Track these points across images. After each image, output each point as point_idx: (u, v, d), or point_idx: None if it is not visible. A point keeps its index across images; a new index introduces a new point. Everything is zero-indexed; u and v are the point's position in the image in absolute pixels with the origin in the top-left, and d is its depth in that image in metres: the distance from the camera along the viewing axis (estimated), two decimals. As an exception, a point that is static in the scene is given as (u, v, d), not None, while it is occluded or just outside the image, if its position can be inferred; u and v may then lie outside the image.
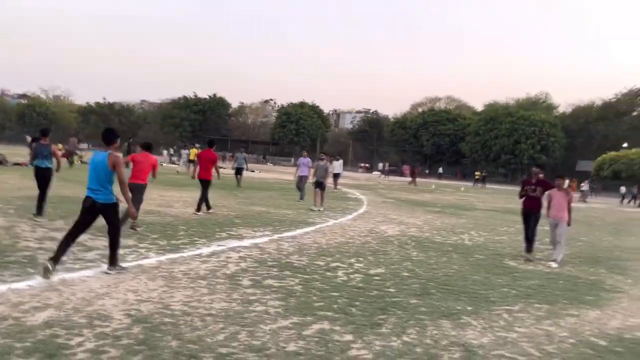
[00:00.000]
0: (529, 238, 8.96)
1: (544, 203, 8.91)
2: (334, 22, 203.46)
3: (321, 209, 13.40)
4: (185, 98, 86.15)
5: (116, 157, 5.52)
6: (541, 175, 9.14)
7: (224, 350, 3.69)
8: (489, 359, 4.00)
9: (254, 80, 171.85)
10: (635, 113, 66.31)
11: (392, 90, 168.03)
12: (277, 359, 3.63)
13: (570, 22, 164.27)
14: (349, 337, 4.19)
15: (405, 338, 4.29)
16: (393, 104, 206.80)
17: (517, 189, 38.91)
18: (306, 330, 4.26)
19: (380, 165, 54.99)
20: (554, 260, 8.40)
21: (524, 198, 9.22)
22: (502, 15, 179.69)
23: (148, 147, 9.06)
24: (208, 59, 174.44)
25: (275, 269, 6.44)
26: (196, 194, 11.47)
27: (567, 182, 11.19)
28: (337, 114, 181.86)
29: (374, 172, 53.53)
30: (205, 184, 11.19)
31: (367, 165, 73.49)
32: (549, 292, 6.43)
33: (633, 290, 6.98)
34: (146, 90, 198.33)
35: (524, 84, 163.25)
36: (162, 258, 6.53)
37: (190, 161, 25.43)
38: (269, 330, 4.20)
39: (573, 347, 4.43)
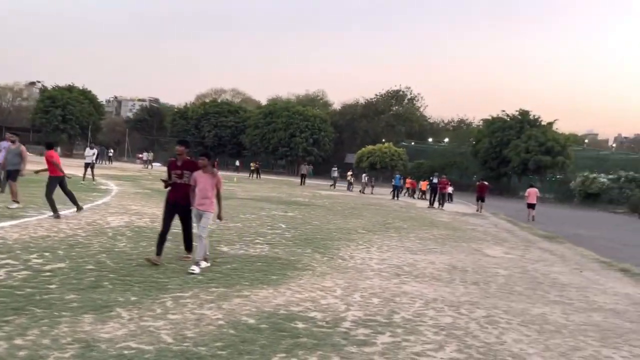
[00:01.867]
0: (165, 237, 6.82)
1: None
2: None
3: (14, 206, 10.73)
4: None
5: None
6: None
7: None
8: (108, 352, 3.67)
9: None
10: (391, 112, 75.65)
11: (183, 80, 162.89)
12: None
13: (343, 27, 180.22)
14: None
15: (17, 341, 3.71)
16: (182, 94, 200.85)
17: (292, 179, 40.86)
18: None
19: (145, 155, 52.26)
20: (196, 264, 6.48)
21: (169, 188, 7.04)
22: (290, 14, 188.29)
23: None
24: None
25: None
26: None
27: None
28: (119, 102, 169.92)
29: (153, 164, 50.34)
30: None
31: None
32: (237, 275, 6.49)
33: (321, 268, 7.50)
34: None
35: (309, 82, 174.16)
36: None
37: None
38: None
39: (217, 329, 4.39)
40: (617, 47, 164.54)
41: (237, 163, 61.74)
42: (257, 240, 9.53)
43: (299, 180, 40.49)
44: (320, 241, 10.14)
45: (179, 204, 6.92)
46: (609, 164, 53.49)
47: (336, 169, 41.82)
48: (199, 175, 6.78)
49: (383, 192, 36.64)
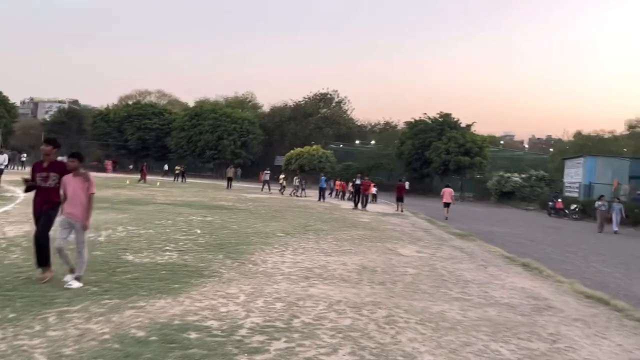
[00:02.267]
0: (42, 248, 6.06)
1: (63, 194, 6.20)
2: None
3: None
4: None
5: None
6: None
7: None
8: (-33, 378, 3.37)
9: None
10: (319, 115, 76.18)
11: (105, 81, 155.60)
12: None
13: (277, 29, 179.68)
14: None
15: None
16: (104, 96, 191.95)
17: (219, 182, 39.76)
18: None
19: (63, 159, 49.31)
20: (77, 279, 5.96)
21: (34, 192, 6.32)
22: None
23: None
24: None
25: None
26: None
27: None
28: (35, 103, 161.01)
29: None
30: None
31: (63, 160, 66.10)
32: (136, 285, 6.20)
33: (229, 274, 7.34)
34: None
35: (236, 83, 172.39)
36: None
37: None
38: None
39: (99, 345, 4.15)
40: (534, 55, 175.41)
41: (166, 167, 59.89)
42: (167, 248, 9.21)
43: (226, 184, 39.82)
44: (235, 246, 9.95)
45: (42, 209, 6.15)
46: (523, 163, 56.77)
47: (268, 172, 41.47)
48: (68, 179, 6.06)
49: (314, 194, 36.75)
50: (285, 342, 4.59)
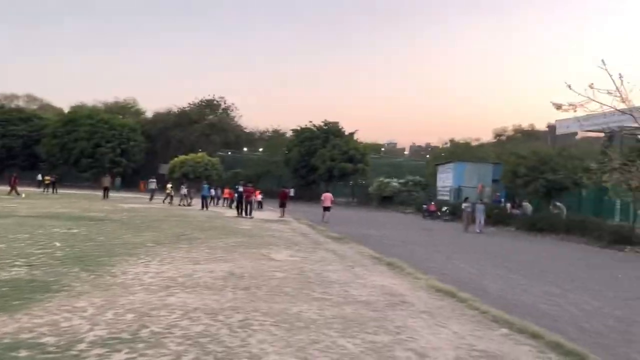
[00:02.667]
0: None
1: None
2: None
3: None
4: None
5: None
6: None
7: None
8: None
9: None
10: (205, 121, 74.65)
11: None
12: None
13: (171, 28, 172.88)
14: None
15: None
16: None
17: (97, 192, 37.05)
18: None
19: None
20: None
21: None
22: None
23: None
24: None
25: None
26: None
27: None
28: None
29: None
30: None
31: None
32: (-33, 305, 5.64)
33: (82, 287, 6.93)
34: None
35: (117, 90, 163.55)
36: None
37: None
38: None
39: None
40: (416, 65, 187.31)
41: (39, 177, 54.83)
42: (17, 263, 8.48)
43: (102, 194, 37.50)
44: (95, 258, 9.41)
45: None
46: (403, 170, 60.16)
47: (154, 180, 39.67)
48: None
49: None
50: (126, 353, 4.42)
